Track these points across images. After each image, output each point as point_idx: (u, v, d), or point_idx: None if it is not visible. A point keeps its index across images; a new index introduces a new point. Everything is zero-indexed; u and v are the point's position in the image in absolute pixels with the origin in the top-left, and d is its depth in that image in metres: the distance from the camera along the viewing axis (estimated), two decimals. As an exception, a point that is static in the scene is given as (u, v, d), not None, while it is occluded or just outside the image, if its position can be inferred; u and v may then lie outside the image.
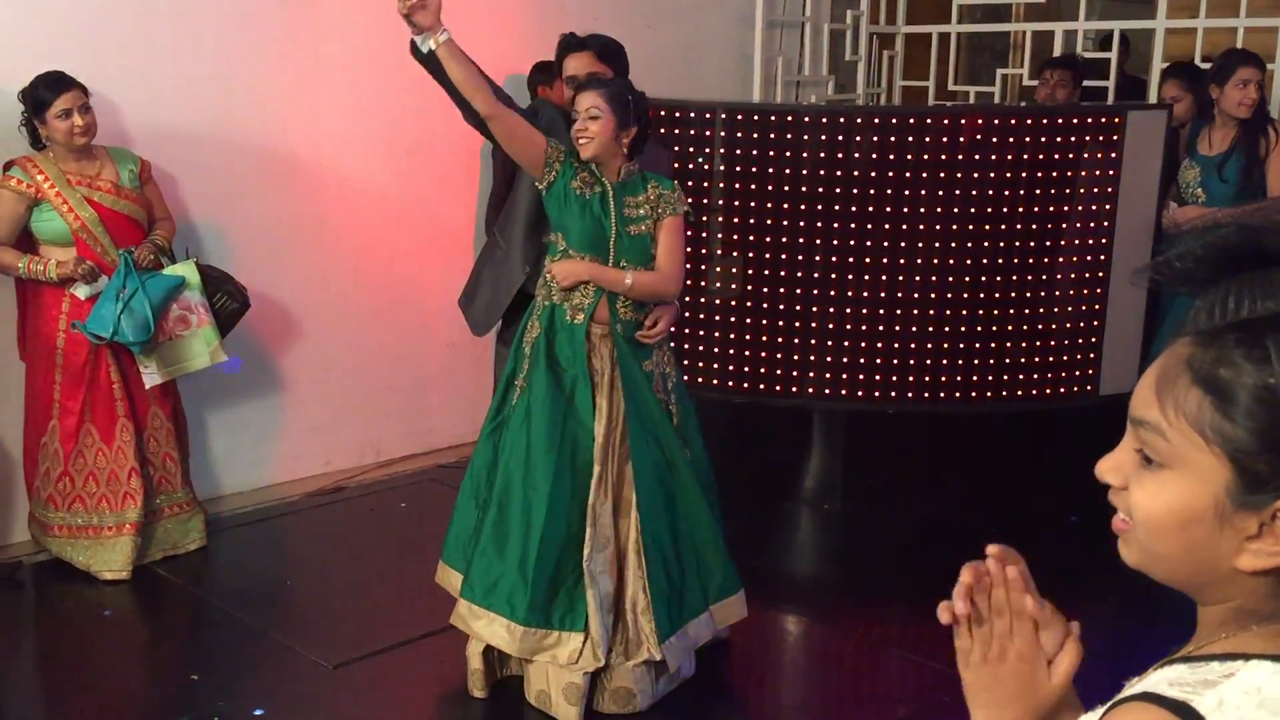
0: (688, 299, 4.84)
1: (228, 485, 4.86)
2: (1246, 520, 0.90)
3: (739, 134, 4.69)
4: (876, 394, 4.79)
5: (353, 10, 4.96)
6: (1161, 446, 0.93)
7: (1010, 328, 4.77)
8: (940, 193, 4.62)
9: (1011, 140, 4.64)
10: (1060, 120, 4.72)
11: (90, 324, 3.96)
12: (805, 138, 4.63)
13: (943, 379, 4.77)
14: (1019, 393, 4.84)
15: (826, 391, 4.79)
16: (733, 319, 4.81)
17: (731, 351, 4.85)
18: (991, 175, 4.63)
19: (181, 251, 4.32)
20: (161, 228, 4.26)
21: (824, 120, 4.67)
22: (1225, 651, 0.92)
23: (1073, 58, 5.94)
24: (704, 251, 4.82)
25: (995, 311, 4.75)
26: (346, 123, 5.02)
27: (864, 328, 4.73)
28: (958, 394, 4.79)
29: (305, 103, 4.89)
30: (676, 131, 4.75)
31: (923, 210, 4.64)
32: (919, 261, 4.67)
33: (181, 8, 4.48)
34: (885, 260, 4.68)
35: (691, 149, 4.75)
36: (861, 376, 4.78)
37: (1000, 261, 4.71)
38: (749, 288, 4.78)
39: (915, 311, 4.71)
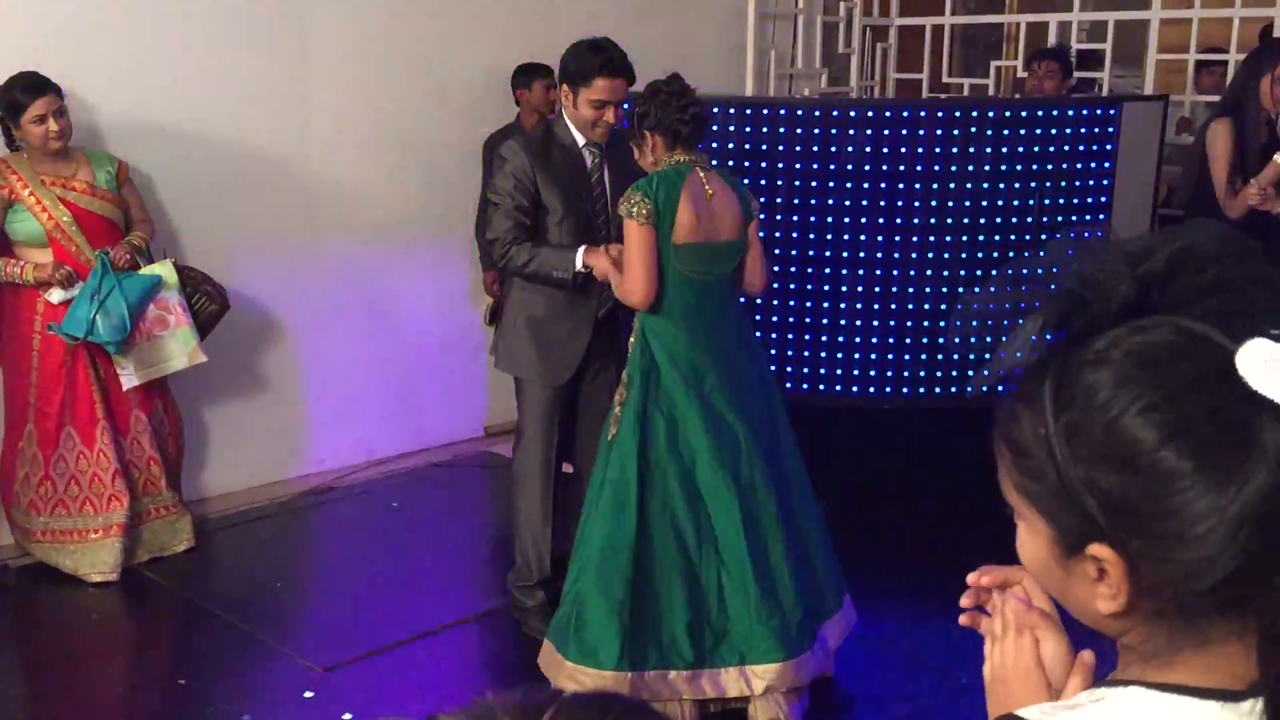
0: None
1: (217, 486, 4.81)
2: (1084, 565, 0.87)
3: (732, 127, 4.64)
4: (871, 389, 4.75)
5: (341, 6, 4.90)
6: (1009, 498, 0.93)
7: (1006, 321, 4.72)
8: (935, 185, 4.58)
9: (1006, 132, 4.60)
10: (1056, 112, 4.68)
11: (65, 325, 3.90)
12: (799, 131, 4.58)
13: (937, 374, 4.74)
14: (1014, 387, 4.80)
15: (820, 387, 4.75)
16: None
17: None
18: (987, 168, 4.59)
19: (159, 253, 4.26)
20: (140, 229, 4.20)
21: (817, 113, 4.63)
22: (1112, 678, 0.90)
23: (1062, 48, 5.90)
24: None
25: (990, 304, 4.70)
26: (335, 120, 4.96)
27: (857, 322, 4.69)
28: (953, 389, 4.76)
29: (293, 100, 4.83)
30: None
31: (917, 203, 4.60)
32: (913, 255, 4.63)
33: (165, 5, 4.42)
34: (879, 254, 4.64)
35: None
36: (855, 371, 4.74)
37: (995, 255, 4.67)
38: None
39: (909, 305, 4.67)
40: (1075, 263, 0.91)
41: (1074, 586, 0.90)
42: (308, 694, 3.42)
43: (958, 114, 4.63)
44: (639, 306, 3.23)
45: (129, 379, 4.07)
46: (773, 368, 4.75)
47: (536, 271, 3.48)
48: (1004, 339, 0.95)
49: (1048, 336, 0.93)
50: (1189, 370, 0.81)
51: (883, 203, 4.60)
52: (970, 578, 1.09)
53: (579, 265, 3.42)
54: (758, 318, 4.74)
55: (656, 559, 3.16)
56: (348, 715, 3.29)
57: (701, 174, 3.22)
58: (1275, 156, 4.25)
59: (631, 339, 3.33)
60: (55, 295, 3.95)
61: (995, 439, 0.93)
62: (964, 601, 1.10)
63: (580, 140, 3.56)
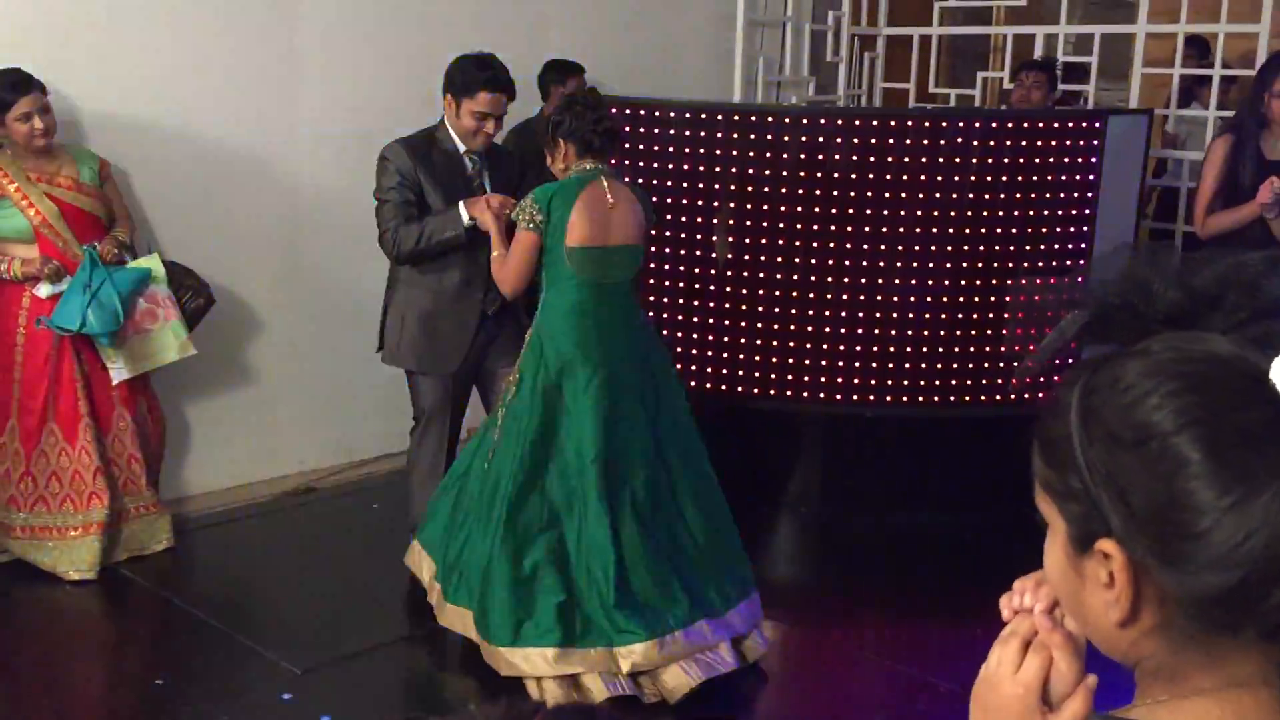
0: (665, 300, 4.80)
1: (197, 485, 4.78)
2: (1096, 570, 0.87)
3: (719, 134, 4.65)
4: (855, 397, 4.75)
5: (328, 5, 4.89)
6: (1038, 503, 0.94)
7: (989, 331, 4.75)
8: (920, 195, 4.60)
9: (992, 143, 4.61)
10: (1041, 124, 4.70)
11: (56, 318, 3.89)
12: (785, 139, 4.59)
13: (921, 382, 4.75)
14: (997, 397, 4.82)
15: (805, 394, 4.76)
16: (711, 320, 4.77)
17: (710, 353, 4.81)
18: (972, 178, 4.61)
19: (144, 248, 4.25)
20: (122, 225, 4.19)
21: (804, 121, 4.64)
22: (1128, 714, 0.89)
23: (1048, 60, 5.94)
24: (682, 253, 4.78)
25: (974, 315, 4.72)
26: (321, 119, 4.95)
27: (843, 330, 4.70)
28: (936, 398, 4.77)
29: (277, 98, 4.82)
30: (655, 131, 4.71)
31: (903, 213, 4.61)
32: (899, 264, 4.64)
33: (152, 2, 4.40)
34: (865, 263, 4.65)
35: (671, 149, 4.70)
36: (840, 379, 4.74)
37: (980, 265, 4.68)
38: (727, 289, 4.74)
39: (894, 314, 4.68)
40: (1127, 267, 0.91)
41: (1088, 596, 0.89)
42: (285, 696, 3.41)
43: (944, 124, 4.65)
44: (508, 296, 3.56)
45: (119, 373, 4.05)
46: (755, 374, 4.76)
47: (430, 242, 3.71)
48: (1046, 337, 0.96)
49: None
50: (1221, 375, 0.81)
51: (868, 211, 4.61)
52: (1022, 611, 1.04)
53: (465, 220, 3.65)
54: (742, 324, 4.74)
55: (532, 540, 3.34)
56: (325, 718, 3.28)
57: (605, 182, 3.39)
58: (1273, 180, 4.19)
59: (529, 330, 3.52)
60: (44, 289, 3.93)
61: (1033, 438, 0.94)
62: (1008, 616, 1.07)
63: (461, 148, 3.82)
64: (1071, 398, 0.88)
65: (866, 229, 4.62)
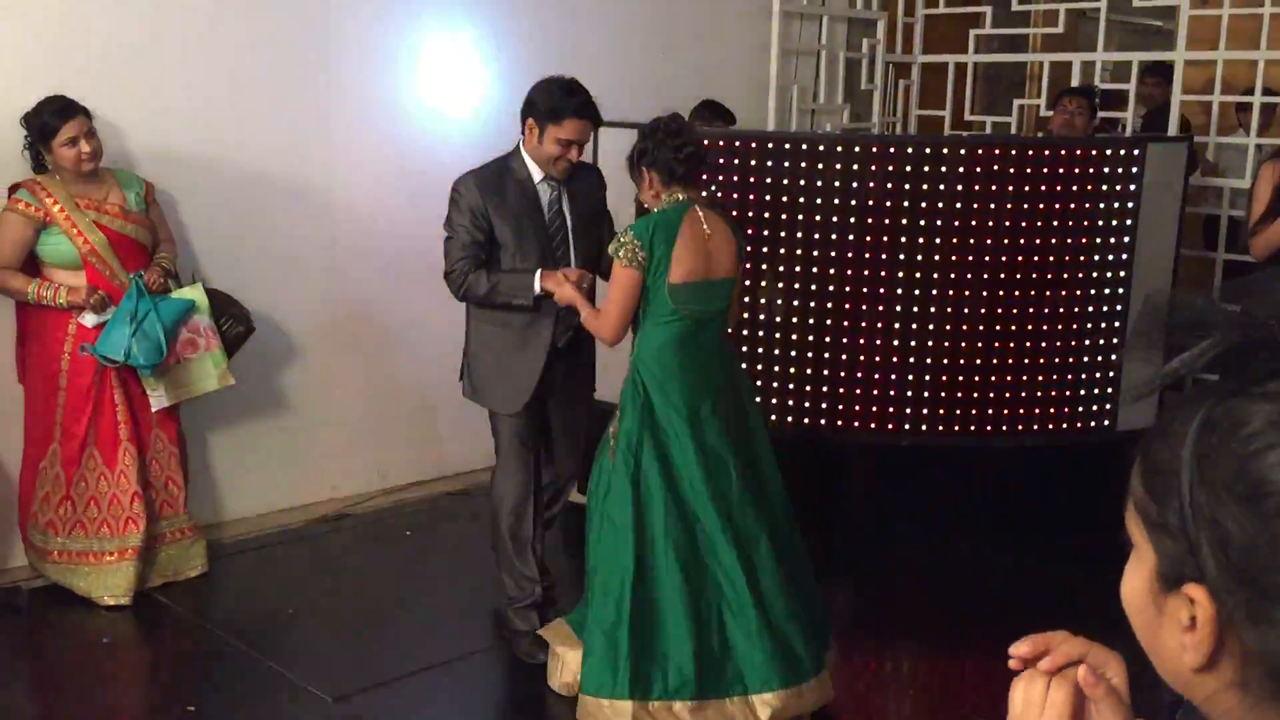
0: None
1: (231, 511, 4.80)
2: (1178, 609, 0.83)
3: (753, 162, 4.64)
4: (890, 426, 4.71)
5: (366, 35, 4.94)
6: (1128, 523, 0.89)
7: (1026, 360, 4.70)
8: (956, 223, 4.56)
9: (1029, 171, 4.58)
10: (1079, 152, 4.66)
11: (101, 347, 3.92)
12: (820, 166, 4.58)
13: (957, 412, 4.70)
14: (1035, 427, 4.76)
15: (839, 424, 4.72)
16: (744, 349, 4.74)
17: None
18: (1008, 206, 4.57)
19: (188, 275, 4.29)
20: (166, 250, 4.23)
21: (839, 149, 4.62)
22: None
23: (1090, 87, 5.90)
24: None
25: (1011, 344, 4.67)
26: (357, 148, 4.99)
27: (877, 359, 4.66)
28: (973, 427, 4.72)
29: (317, 126, 4.86)
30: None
31: (938, 241, 4.58)
32: (934, 293, 4.61)
33: (194, 31, 4.46)
34: (900, 291, 4.61)
35: (705, 177, 4.69)
36: (875, 408, 4.70)
37: (1016, 294, 4.64)
38: (761, 316, 4.72)
39: (929, 343, 4.64)
40: (1271, 298, 0.86)
41: (1164, 632, 0.85)
42: (317, 723, 3.40)
43: (980, 152, 4.62)
44: (607, 344, 3.37)
45: (159, 400, 4.08)
46: (789, 403, 4.73)
47: (498, 299, 3.59)
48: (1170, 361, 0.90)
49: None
50: None
51: (903, 239, 4.58)
52: (1023, 649, 0.98)
53: (536, 290, 3.52)
54: (775, 353, 4.72)
55: (660, 589, 3.20)
56: (356, 746, 3.27)
57: (700, 213, 3.28)
58: None
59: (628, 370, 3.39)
60: (89, 319, 3.97)
61: (1136, 455, 0.88)
62: (1015, 665, 1.03)
63: (537, 175, 3.64)
64: (1188, 429, 0.82)
65: (901, 257, 4.59)
